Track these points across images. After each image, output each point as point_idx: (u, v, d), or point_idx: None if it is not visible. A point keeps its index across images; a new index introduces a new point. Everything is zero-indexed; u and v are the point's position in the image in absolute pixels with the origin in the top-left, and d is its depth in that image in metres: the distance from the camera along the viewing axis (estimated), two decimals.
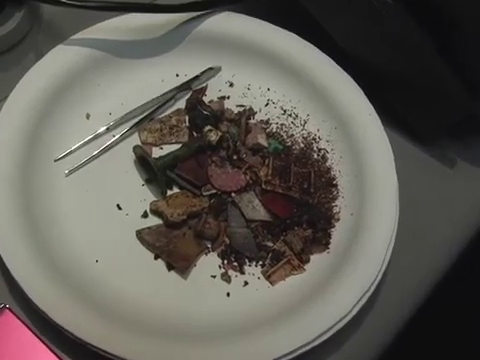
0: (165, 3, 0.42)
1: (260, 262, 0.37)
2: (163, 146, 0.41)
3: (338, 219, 0.39)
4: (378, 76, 0.43)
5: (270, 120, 0.42)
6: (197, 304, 0.36)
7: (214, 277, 0.37)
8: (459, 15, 0.40)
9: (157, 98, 0.42)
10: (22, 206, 0.36)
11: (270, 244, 0.38)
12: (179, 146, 0.40)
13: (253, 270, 0.37)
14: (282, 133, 0.42)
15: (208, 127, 0.40)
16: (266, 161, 0.40)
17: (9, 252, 0.34)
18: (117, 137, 0.40)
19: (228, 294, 0.36)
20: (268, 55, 0.43)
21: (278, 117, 0.43)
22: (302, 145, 0.41)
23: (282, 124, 0.42)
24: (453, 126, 0.42)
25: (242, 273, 0.37)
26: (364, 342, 0.36)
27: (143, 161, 0.39)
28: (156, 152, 0.40)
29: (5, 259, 0.34)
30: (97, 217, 0.37)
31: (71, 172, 0.39)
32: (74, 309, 0.33)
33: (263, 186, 0.39)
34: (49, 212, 0.37)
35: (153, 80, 0.42)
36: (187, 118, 0.42)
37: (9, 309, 0.33)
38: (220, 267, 0.37)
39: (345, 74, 0.42)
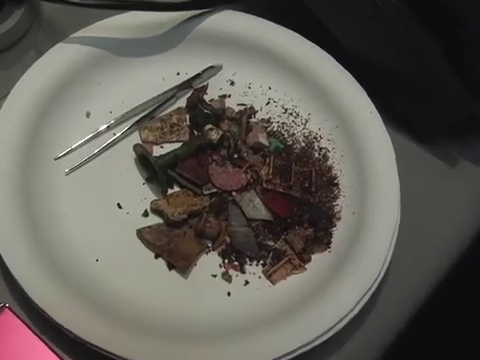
0: (166, 1, 0.41)
1: (261, 261, 0.37)
2: (164, 145, 0.41)
3: (339, 218, 0.38)
4: (380, 75, 0.43)
5: (271, 119, 0.42)
6: (197, 303, 0.35)
7: (215, 276, 0.36)
8: (462, 15, 0.40)
9: (158, 96, 0.42)
10: (22, 205, 0.36)
11: (271, 243, 0.38)
12: (180, 145, 0.40)
13: (254, 269, 0.37)
14: (283, 132, 0.42)
15: (209, 126, 0.40)
16: (267, 160, 0.40)
17: (9, 251, 0.34)
18: (118, 135, 0.40)
19: (229, 293, 0.36)
20: (269, 53, 0.43)
21: (279, 116, 0.43)
22: (303, 144, 0.41)
23: (283, 123, 0.42)
24: (454, 126, 0.42)
25: (243, 272, 0.37)
26: (365, 342, 0.36)
27: (144, 160, 0.39)
28: (157, 151, 0.40)
29: (5, 258, 0.34)
30: (97, 216, 0.37)
31: (71, 171, 0.39)
32: (74, 308, 0.33)
33: (264, 185, 0.39)
34: (49, 211, 0.37)
35: (154, 78, 0.42)
36: (188, 117, 0.42)
37: (9, 308, 0.33)
38: (221, 266, 0.37)
39: (346, 73, 0.42)
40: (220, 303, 0.36)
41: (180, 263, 0.36)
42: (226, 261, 0.37)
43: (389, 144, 0.40)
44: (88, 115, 0.41)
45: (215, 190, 0.38)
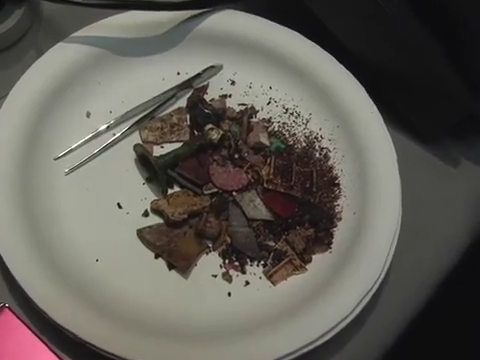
0: (166, 1, 0.41)
1: (261, 262, 0.37)
2: (164, 145, 0.41)
3: (340, 218, 0.38)
4: (380, 75, 0.43)
5: (272, 119, 0.42)
6: (198, 304, 0.35)
7: (215, 277, 0.36)
8: (462, 14, 0.40)
9: (158, 96, 0.42)
10: (22, 205, 0.36)
11: (272, 244, 0.37)
12: (180, 145, 0.40)
13: (254, 270, 0.37)
14: (284, 132, 0.42)
15: (209, 126, 0.40)
16: (268, 160, 0.40)
17: (9, 251, 0.34)
18: (118, 135, 0.40)
19: (229, 294, 0.36)
20: (270, 53, 0.43)
21: (280, 116, 0.42)
22: (304, 144, 0.41)
23: (284, 123, 0.42)
24: (455, 125, 0.42)
25: (243, 273, 0.37)
26: (366, 343, 0.36)
27: (144, 160, 0.39)
28: (157, 151, 0.40)
29: (5, 258, 0.34)
30: (97, 216, 0.37)
31: (71, 171, 0.39)
32: (74, 308, 0.33)
33: (265, 185, 0.39)
34: (49, 211, 0.37)
35: (154, 78, 0.42)
36: (188, 116, 0.42)
37: (9, 308, 0.32)
38: (221, 267, 0.37)
39: (347, 72, 0.42)
40: (220, 303, 0.36)
41: (180, 263, 0.36)
42: (226, 261, 0.37)
43: (390, 144, 0.40)
44: (88, 115, 0.41)
45: (216, 190, 0.38)
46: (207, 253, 0.37)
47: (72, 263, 0.35)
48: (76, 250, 0.36)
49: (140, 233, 0.37)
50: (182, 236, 0.37)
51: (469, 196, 0.42)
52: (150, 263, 0.36)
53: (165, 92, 0.42)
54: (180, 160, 0.39)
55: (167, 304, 0.35)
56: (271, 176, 0.39)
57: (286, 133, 0.42)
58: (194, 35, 0.43)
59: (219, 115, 0.41)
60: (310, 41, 0.43)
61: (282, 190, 0.39)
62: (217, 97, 0.43)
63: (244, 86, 0.43)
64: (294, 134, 0.42)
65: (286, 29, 0.43)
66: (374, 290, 0.35)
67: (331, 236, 0.38)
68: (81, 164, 0.39)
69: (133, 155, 0.39)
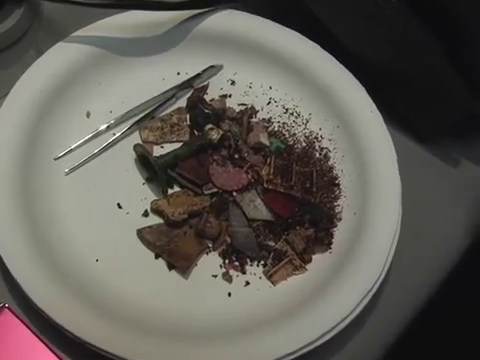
0: (166, 1, 0.41)
1: (261, 262, 0.37)
2: (164, 145, 0.40)
3: (340, 218, 0.38)
4: (380, 75, 0.43)
5: (272, 119, 0.42)
6: (198, 304, 0.35)
7: (215, 277, 0.36)
8: (462, 14, 0.40)
9: (158, 96, 0.42)
10: (22, 205, 0.35)
11: (272, 244, 0.37)
12: (180, 145, 0.40)
13: (254, 270, 0.37)
14: (284, 132, 0.42)
15: (209, 126, 0.40)
16: (268, 160, 0.40)
17: (9, 251, 0.34)
18: (118, 135, 0.40)
19: (229, 294, 0.36)
20: (270, 53, 0.43)
21: (280, 116, 0.42)
22: (304, 144, 0.41)
23: (284, 123, 0.42)
24: (455, 126, 0.42)
25: (243, 273, 0.37)
26: (366, 343, 0.36)
27: (144, 160, 0.39)
28: (157, 151, 0.40)
29: (5, 258, 0.33)
30: (97, 216, 0.37)
31: (71, 171, 0.39)
32: (74, 308, 0.33)
33: (265, 185, 0.39)
34: (49, 211, 0.37)
35: (154, 78, 0.42)
36: (188, 116, 0.42)
37: (8, 308, 0.32)
38: (221, 267, 0.37)
39: (348, 72, 0.42)
40: (220, 303, 0.36)
41: (180, 263, 0.36)
42: (227, 261, 0.37)
43: (390, 144, 0.40)
44: (88, 115, 0.41)
45: (216, 190, 0.38)
46: (207, 253, 0.37)
47: (72, 263, 0.35)
48: (76, 250, 0.36)
49: (140, 233, 0.37)
50: (182, 236, 0.37)
51: (469, 196, 0.42)
52: (150, 263, 0.36)
53: (165, 92, 0.42)
54: (180, 160, 0.39)
55: (167, 304, 0.35)
56: (271, 176, 0.39)
57: (286, 133, 0.42)
58: (194, 35, 0.43)
59: (219, 115, 0.41)
60: (310, 41, 0.43)
61: (282, 190, 0.39)
62: (217, 97, 0.43)
63: (244, 86, 0.43)
64: (294, 134, 0.42)
65: (286, 29, 0.43)
66: (374, 290, 0.35)
67: (331, 236, 0.38)
68: (81, 164, 0.39)
69: (133, 155, 0.39)
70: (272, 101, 0.43)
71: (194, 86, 0.43)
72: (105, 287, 0.35)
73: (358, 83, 0.42)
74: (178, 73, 0.43)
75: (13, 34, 0.39)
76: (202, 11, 0.43)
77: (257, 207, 0.38)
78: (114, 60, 0.41)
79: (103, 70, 0.41)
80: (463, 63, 0.41)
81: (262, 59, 0.43)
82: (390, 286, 0.37)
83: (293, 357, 0.33)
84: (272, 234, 0.38)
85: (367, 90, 0.42)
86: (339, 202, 0.39)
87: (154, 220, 0.38)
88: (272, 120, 0.42)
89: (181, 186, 0.39)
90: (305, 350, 0.33)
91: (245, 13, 0.43)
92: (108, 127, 0.40)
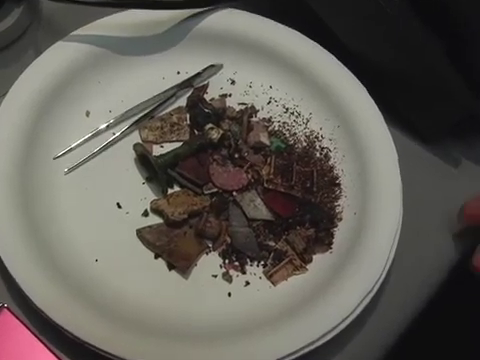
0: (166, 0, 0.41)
1: (262, 262, 0.37)
2: (164, 144, 0.40)
3: (341, 218, 0.38)
4: (381, 74, 0.43)
5: (272, 118, 0.42)
6: (198, 304, 0.35)
7: (215, 277, 0.36)
8: (464, 14, 0.40)
9: (158, 95, 0.41)
10: (21, 204, 0.35)
11: (272, 244, 0.37)
12: (180, 144, 0.40)
13: (255, 270, 0.37)
14: (284, 131, 0.41)
15: (209, 125, 0.40)
16: (268, 160, 0.40)
17: (8, 251, 0.34)
18: (117, 135, 0.40)
19: (229, 294, 0.36)
20: (270, 52, 0.43)
21: (280, 115, 0.42)
22: (304, 143, 0.41)
23: (284, 122, 0.42)
24: (456, 125, 0.42)
25: (243, 273, 0.37)
26: (367, 343, 0.36)
27: (144, 159, 0.39)
28: (157, 150, 0.40)
29: (4, 258, 0.33)
30: (97, 216, 0.37)
31: (71, 170, 0.38)
32: (73, 308, 0.32)
33: (265, 185, 0.38)
34: (48, 210, 0.36)
35: (154, 77, 0.42)
36: (188, 116, 0.42)
37: (7, 308, 0.32)
38: (221, 267, 0.37)
39: (348, 72, 0.42)
40: (220, 304, 0.35)
41: (180, 263, 0.36)
42: (227, 261, 0.37)
43: (391, 144, 0.40)
44: (88, 114, 0.41)
45: (216, 190, 0.38)
46: (207, 253, 0.37)
47: (71, 263, 0.35)
48: (75, 250, 0.36)
49: (140, 233, 0.37)
50: (182, 236, 0.37)
51: (470, 196, 0.42)
52: (150, 263, 0.36)
53: (165, 91, 0.42)
54: (180, 160, 0.39)
55: (167, 304, 0.35)
56: (271, 176, 0.39)
57: (286, 133, 0.41)
58: (194, 34, 0.43)
59: (219, 114, 0.41)
60: (311, 40, 0.43)
61: (282, 190, 0.38)
62: (217, 96, 0.42)
63: (244, 85, 0.43)
64: (294, 134, 0.42)
65: (286, 28, 0.43)
66: (375, 290, 0.35)
67: (332, 236, 0.38)
68: (80, 163, 0.39)
69: (133, 154, 0.39)
70: (272, 100, 0.43)
71: (194, 85, 0.43)
72: (105, 287, 0.35)
73: (359, 82, 0.42)
74: (178, 72, 0.43)
75: (12, 33, 0.39)
76: (202, 10, 0.43)
77: (257, 207, 0.38)
78: (114, 59, 0.41)
79: (103, 69, 0.41)
80: (464, 63, 0.40)
81: (262, 58, 0.43)
82: (391, 286, 0.37)
83: (293, 357, 0.33)
84: (272, 234, 0.37)
85: (368, 90, 0.41)
86: (340, 202, 0.39)
87: (154, 220, 0.37)
88: (272, 119, 0.42)
89: (181, 186, 0.39)
90: (305, 350, 0.33)
91: (245, 12, 0.43)
92: (108, 126, 0.40)
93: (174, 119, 0.41)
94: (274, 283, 0.36)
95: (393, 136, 0.40)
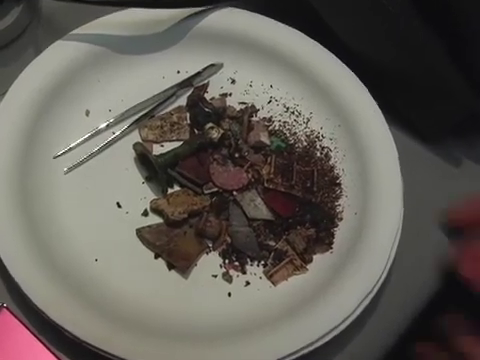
0: None
1: (262, 262, 0.37)
2: (164, 143, 0.40)
3: (341, 218, 0.38)
4: (382, 74, 0.42)
5: (273, 118, 0.42)
6: (198, 304, 0.35)
7: (215, 277, 0.36)
8: (465, 13, 0.39)
9: (158, 95, 0.41)
10: (21, 204, 0.35)
11: (272, 243, 0.37)
12: (180, 143, 0.40)
13: (255, 270, 0.37)
14: (285, 131, 0.41)
15: (209, 124, 0.40)
16: (268, 159, 0.40)
17: (7, 250, 0.33)
18: (117, 134, 0.40)
19: (229, 294, 0.36)
20: (271, 52, 0.43)
21: (281, 115, 0.42)
22: (305, 143, 0.41)
23: (285, 122, 0.42)
24: (457, 125, 0.42)
25: (244, 273, 0.36)
26: (367, 343, 0.36)
27: (143, 158, 0.39)
28: (157, 149, 0.40)
29: (3, 257, 0.33)
30: (97, 215, 0.37)
31: (70, 169, 0.38)
32: (73, 308, 0.32)
33: (265, 184, 0.38)
34: (48, 210, 0.36)
35: (154, 76, 0.42)
36: (188, 115, 0.41)
37: (7, 308, 0.32)
38: (221, 266, 0.37)
39: (349, 71, 0.42)
40: (220, 304, 0.35)
41: (180, 263, 0.36)
42: (227, 261, 0.37)
43: (392, 143, 0.40)
44: (87, 113, 0.41)
45: (216, 189, 0.38)
46: (207, 253, 0.37)
47: (71, 262, 0.35)
48: (75, 249, 0.36)
49: (139, 233, 0.37)
50: (182, 236, 0.37)
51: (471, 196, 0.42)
52: (150, 263, 0.36)
53: (165, 90, 0.42)
54: (180, 159, 0.39)
55: (167, 304, 0.35)
56: (272, 175, 0.39)
57: (287, 132, 0.41)
58: (194, 33, 0.42)
59: (219, 114, 0.41)
60: (311, 39, 0.43)
61: (283, 189, 0.38)
62: (217, 96, 0.42)
63: (245, 85, 0.43)
64: (295, 133, 0.41)
65: (287, 27, 0.43)
66: (375, 290, 0.35)
67: (332, 236, 0.38)
68: (80, 163, 0.39)
69: (133, 154, 0.39)
70: (273, 100, 0.43)
71: (194, 84, 0.43)
72: (104, 287, 0.35)
73: (359, 82, 0.42)
74: (178, 71, 0.43)
75: (12, 32, 0.39)
76: (202, 9, 0.43)
77: (257, 207, 0.38)
78: (113, 58, 0.41)
79: (102, 68, 0.41)
80: (465, 62, 0.40)
81: (263, 57, 0.43)
82: (391, 286, 0.37)
83: (293, 357, 0.33)
84: (272, 234, 0.37)
85: (368, 88, 0.41)
86: (340, 202, 0.39)
87: (154, 219, 0.37)
88: (273, 119, 0.42)
89: (181, 185, 0.39)
90: (305, 351, 0.33)
91: (245, 11, 0.43)
92: (107, 126, 0.40)
93: (174, 118, 0.41)
94: (274, 283, 0.36)
95: (394, 135, 0.40)
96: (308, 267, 0.37)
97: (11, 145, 0.37)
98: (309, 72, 0.42)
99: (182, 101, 0.42)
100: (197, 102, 0.41)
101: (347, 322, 0.33)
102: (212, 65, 0.43)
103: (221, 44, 0.43)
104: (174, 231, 0.37)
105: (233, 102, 0.42)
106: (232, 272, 0.36)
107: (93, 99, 0.41)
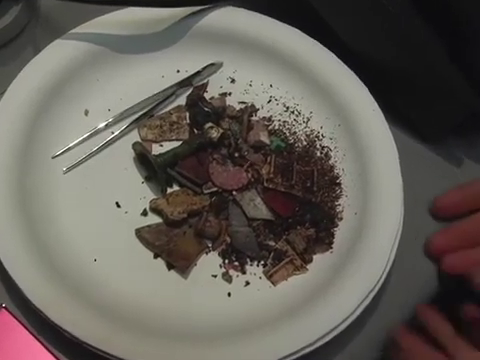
0: None
1: (262, 262, 0.37)
2: (163, 143, 0.40)
3: (341, 218, 0.38)
4: (382, 73, 0.42)
5: (272, 117, 0.42)
6: (197, 304, 0.35)
7: (215, 277, 0.36)
8: (465, 12, 0.39)
9: (157, 94, 0.41)
10: (19, 204, 0.35)
11: (272, 243, 0.37)
12: (179, 143, 0.40)
13: (254, 270, 0.37)
14: (284, 130, 0.41)
15: (209, 124, 0.39)
16: (268, 159, 0.40)
17: (6, 250, 0.33)
18: (116, 134, 0.40)
19: (229, 294, 0.36)
20: (271, 51, 0.42)
21: (280, 114, 0.42)
22: (305, 143, 0.41)
23: (285, 121, 0.42)
24: (457, 124, 0.42)
25: (243, 273, 0.36)
26: (367, 343, 0.36)
27: (143, 158, 0.38)
28: (156, 149, 0.40)
29: (2, 257, 0.33)
30: (96, 215, 0.37)
31: (69, 169, 0.38)
32: (72, 308, 0.32)
33: (265, 184, 0.38)
34: (47, 210, 0.36)
35: (153, 76, 0.42)
36: (188, 115, 0.41)
37: (6, 308, 0.32)
38: (221, 266, 0.36)
39: (349, 70, 0.42)
40: (220, 304, 0.35)
41: (180, 263, 0.36)
42: (226, 261, 0.37)
43: (392, 143, 0.39)
44: (86, 113, 0.40)
45: (215, 189, 0.38)
46: (207, 253, 0.37)
47: (70, 262, 0.35)
48: (74, 249, 0.36)
49: (139, 232, 0.37)
50: (181, 236, 0.37)
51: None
52: (149, 263, 0.36)
53: (164, 90, 0.41)
54: (179, 159, 0.38)
55: (167, 304, 0.35)
56: (271, 175, 0.39)
57: (287, 132, 0.41)
58: (194, 32, 0.42)
59: (219, 113, 0.41)
60: (311, 38, 0.43)
61: (282, 189, 0.38)
62: (217, 95, 0.42)
63: (244, 84, 0.43)
64: (295, 133, 0.41)
65: (287, 26, 0.43)
66: (376, 290, 0.35)
67: (332, 236, 0.38)
68: (79, 162, 0.39)
69: (132, 153, 0.39)
70: (272, 99, 0.43)
71: (194, 84, 0.42)
72: (103, 287, 0.35)
73: (360, 81, 0.41)
74: (178, 71, 0.43)
75: (10, 31, 0.39)
76: (202, 8, 0.43)
77: (257, 206, 0.38)
78: (113, 57, 0.41)
79: (101, 67, 0.41)
80: (466, 61, 0.40)
81: (262, 57, 0.43)
82: (392, 286, 0.37)
83: (293, 357, 0.32)
84: (272, 234, 0.37)
85: (368, 88, 0.41)
86: (340, 201, 0.39)
87: (153, 219, 0.37)
88: (272, 118, 0.42)
89: (180, 185, 0.38)
90: (306, 351, 0.33)
91: (245, 10, 0.43)
92: (106, 125, 0.40)
93: (174, 118, 0.41)
94: (274, 283, 0.36)
95: (394, 135, 0.40)
96: (308, 267, 0.37)
97: (10, 144, 0.36)
98: (309, 71, 0.42)
99: (181, 100, 0.42)
100: (197, 101, 0.41)
101: (347, 322, 0.33)
102: (212, 64, 0.43)
103: (221, 43, 0.43)
104: (173, 231, 0.37)
105: (233, 101, 0.42)
106: (232, 272, 0.36)
107: (92, 98, 0.40)
